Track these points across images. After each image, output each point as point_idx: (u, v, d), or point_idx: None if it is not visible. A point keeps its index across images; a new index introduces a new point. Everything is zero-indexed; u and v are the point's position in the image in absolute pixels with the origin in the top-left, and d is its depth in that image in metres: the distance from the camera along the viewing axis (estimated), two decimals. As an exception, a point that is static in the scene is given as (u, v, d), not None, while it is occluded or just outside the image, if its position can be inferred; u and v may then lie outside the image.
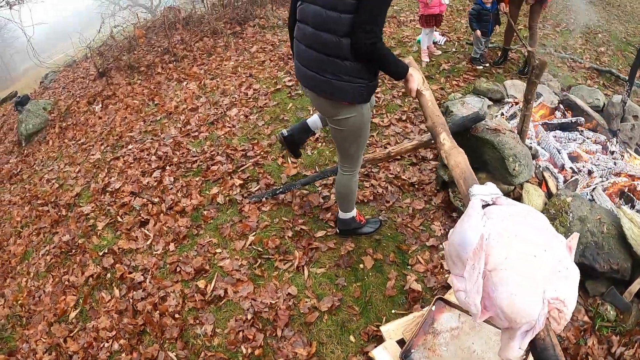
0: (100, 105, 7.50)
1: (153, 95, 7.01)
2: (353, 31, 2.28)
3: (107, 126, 6.75)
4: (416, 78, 2.56)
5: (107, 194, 5.06)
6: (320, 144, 4.88)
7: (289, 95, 5.88)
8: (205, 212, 4.27)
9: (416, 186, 4.28)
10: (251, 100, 5.98)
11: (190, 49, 8.10)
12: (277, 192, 4.13)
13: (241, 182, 4.52)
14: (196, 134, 5.57)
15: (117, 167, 5.49)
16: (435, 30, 6.72)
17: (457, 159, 2.09)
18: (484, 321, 1.40)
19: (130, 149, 5.78)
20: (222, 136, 5.37)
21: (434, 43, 6.91)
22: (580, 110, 5.10)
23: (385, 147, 4.32)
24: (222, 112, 5.86)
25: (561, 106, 5.17)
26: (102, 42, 9.18)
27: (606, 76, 6.86)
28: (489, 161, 3.69)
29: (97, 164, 5.81)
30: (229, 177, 4.65)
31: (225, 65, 7.26)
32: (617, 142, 4.83)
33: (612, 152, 4.63)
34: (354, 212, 3.47)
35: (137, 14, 9.99)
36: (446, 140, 2.24)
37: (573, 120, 4.93)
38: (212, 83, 6.74)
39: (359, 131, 2.77)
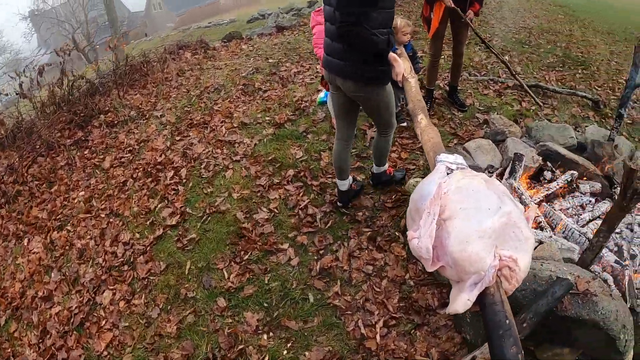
0: None
1: (-19, 272, 4.47)
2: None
3: None
4: (402, 64, 2.80)
5: None
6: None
7: (178, 242, 3.73)
8: None
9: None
10: (125, 266, 3.75)
11: (24, 179, 5.52)
12: None
13: None
14: (65, 355, 3.27)
15: None
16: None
17: (431, 134, 2.08)
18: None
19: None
20: (106, 357, 3.12)
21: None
22: (565, 159, 3.90)
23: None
24: (89, 300, 3.60)
25: (548, 163, 3.78)
26: None
27: (536, 91, 5.56)
28: (581, 340, 2.50)
29: None
30: None
31: (74, 199, 4.90)
32: None
33: None
34: (386, 166, 3.80)
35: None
36: (423, 120, 2.29)
37: (569, 180, 3.69)
38: (61, 237, 4.38)
39: (385, 104, 3.10)
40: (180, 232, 3.93)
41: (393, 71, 2.84)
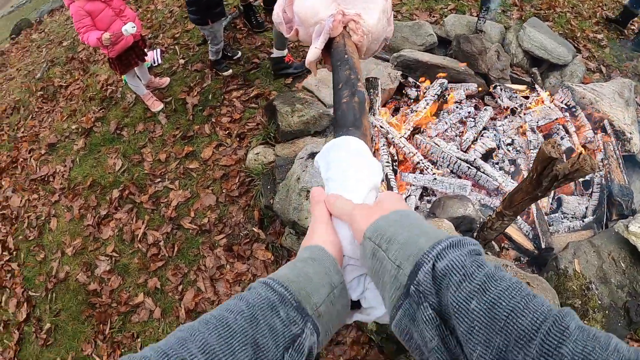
0: None
1: None
2: None
3: None
4: None
5: None
6: None
7: (38, 339, 3.14)
8: None
9: None
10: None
11: None
12: None
13: None
14: None
15: None
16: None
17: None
18: None
19: None
20: None
21: (151, 68, 3.93)
22: (429, 66, 3.11)
23: None
24: None
25: (410, 79, 2.94)
26: None
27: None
28: None
29: None
30: None
31: None
32: (502, 89, 3.10)
33: (512, 111, 3.00)
34: (285, 52, 3.45)
35: None
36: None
37: (439, 92, 2.97)
38: None
39: None
40: (35, 327, 3.02)
41: None
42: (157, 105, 3.70)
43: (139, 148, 3.45)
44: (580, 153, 1.30)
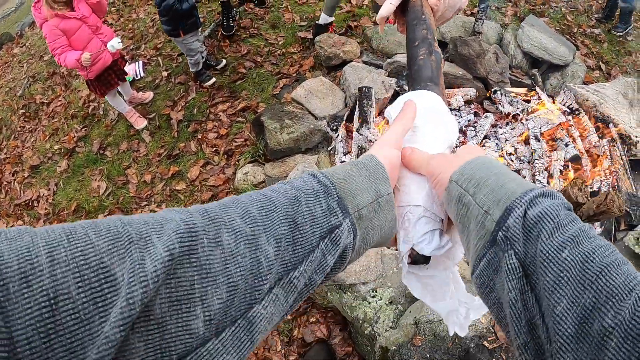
0: None
1: None
2: None
3: None
4: None
5: None
6: None
7: None
8: None
9: None
10: None
11: None
12: None
13: None
14: None
15: None
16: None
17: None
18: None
19: None
20: None
21: (133, 81, 3.73)
22: None
23: None
24: None
25: (405, 86, 2.79)
26: None
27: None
28: None
29: None
30: None
31: None
32: (502, 94, 2.90)
33: (512, 116, 2.83)
34: (331, 19, 3.51)
35: None
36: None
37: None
38: None
39: None
40: None
41: None
42: (140, 122, 3.50)
43: (124, 169, 3.25)
44: (608, 193, 1.12)
